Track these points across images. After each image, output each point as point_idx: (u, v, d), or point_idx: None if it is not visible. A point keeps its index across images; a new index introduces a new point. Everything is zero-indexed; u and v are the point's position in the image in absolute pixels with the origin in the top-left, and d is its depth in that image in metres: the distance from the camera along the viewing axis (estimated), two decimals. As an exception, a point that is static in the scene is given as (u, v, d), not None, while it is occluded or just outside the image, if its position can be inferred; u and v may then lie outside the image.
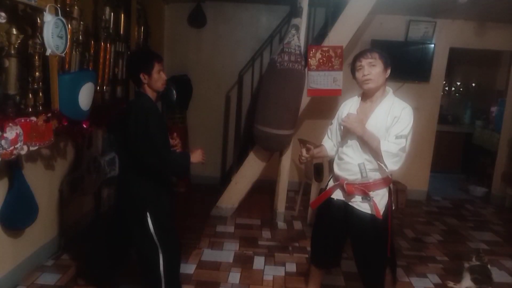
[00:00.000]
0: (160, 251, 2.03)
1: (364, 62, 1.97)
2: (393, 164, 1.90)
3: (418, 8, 4.13)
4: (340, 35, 3.53)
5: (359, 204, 2.02)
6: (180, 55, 4.70)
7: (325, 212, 2.16)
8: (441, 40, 4.55)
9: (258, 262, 2.95)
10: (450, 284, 2.75)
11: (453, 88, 6.60)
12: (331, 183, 2.19)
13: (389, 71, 2.04)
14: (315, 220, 2.35)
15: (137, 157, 1.95)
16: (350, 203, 2.05)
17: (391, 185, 2.10)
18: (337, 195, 2.10)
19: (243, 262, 2.93)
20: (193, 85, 4.70)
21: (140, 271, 2.13)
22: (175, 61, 4.69)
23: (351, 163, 2.01)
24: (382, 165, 1.91)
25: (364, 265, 2.14)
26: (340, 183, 2.06)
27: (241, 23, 4.66)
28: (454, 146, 6.18)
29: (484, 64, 6.13)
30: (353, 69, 2.03)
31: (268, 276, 2.74)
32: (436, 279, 2.85)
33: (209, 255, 3.02)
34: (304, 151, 2.11)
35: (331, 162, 2.27)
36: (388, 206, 2.04)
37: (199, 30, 4.64)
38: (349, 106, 2.12)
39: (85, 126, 2.64)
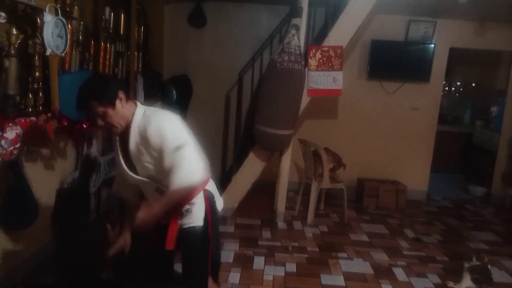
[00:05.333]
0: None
1: (89, 114, 1.63)
2: (194, 179, 1.68)
3: (418, 8, 4.13)
4: (340, 35, 3.53)
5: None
6: (180, 55, 4.70)
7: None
8: (441, 40, 4.55)
9: (258, 262, 2.95)
10: (450, 284, 2.75)
11: (453, 88, 6.59)
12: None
13: (123, 102, 1.69)
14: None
15: None
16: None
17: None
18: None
19: (243, 262, 2.93)
20: (193, 85, 4.70)
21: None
22: (175, 61, 4.69)
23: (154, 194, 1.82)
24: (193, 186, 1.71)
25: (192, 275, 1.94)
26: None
27: (241, 23, 4.66)
28: (454, 146, 6.17)
29: (484, 64, 6.13)
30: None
31: (268, 276, 2.74)
32: (436, 279, 2.85)
33: (209, 255, 3.02)
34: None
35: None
36: (208, 212, 1.88)
37: (199, 30, 4.64)
38: (114, 138, 1.81)
39: (85, 126, 2.64)
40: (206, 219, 1.85)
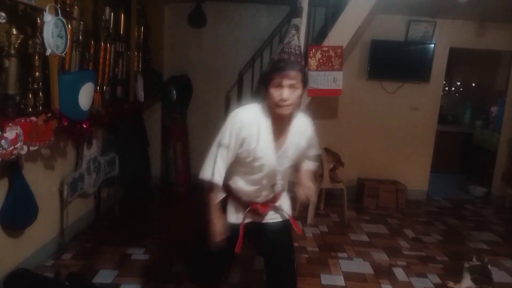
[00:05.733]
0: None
1: (286, 82, 1.63)
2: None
3: (418, 8, 4.12)
4: (340, 35, 3.53)
5: (272, 217, 1.93)
6: (180, 55, 4.70)
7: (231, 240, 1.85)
8: (441, 40, 4.55)
9: (259, 262, 2.95)
10: (450, 284, 2.75)
11: (453, 88, 6.60)
12: (233, 215, 1.90)
13: (304, 92, 1.83)
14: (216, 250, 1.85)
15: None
16: (262, 221, 1.92)
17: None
18: (246, 219, 1.89)
19: (243, 262, 2.93)
20: (193, 85, 4.69)
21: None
22: (175, 61, 4.69)
23: (264, 188, 1.85)
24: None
25: (282, 272, 1.94)
26: (252, 208, 1.87)
27: (241, 23, 4.66)
28: (454, 146, 6.18)
29: (484, 64, 6.13)
30: (267, 81, 1.70)
31: (268, 276, 2.74)
32: (436, 279, 2.85)
33: (209, 255, 3.02)
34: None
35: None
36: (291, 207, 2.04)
37: (199, 30, 4.64)
38: (256, 128, 1.73)
39: (85, 126, 2.64)
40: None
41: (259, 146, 1.73)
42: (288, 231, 1.96)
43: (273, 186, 1.86)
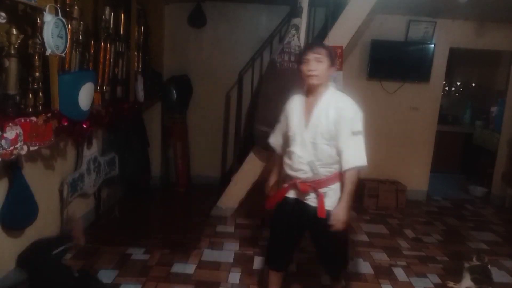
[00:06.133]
0: None
1: (311, 56, 1.95)
2: (364, 162, 1.99)
3: (418, 8, 4.12)
4: (340, 35, 3.53)
5: (313, 200, 2.04)
6: (180, 55, 4.70)
7: (281, 212, 2.15)
8: (441, 40, 4.55)
9: (258, 262, 2.95)
10: (450, 284, 2.75)
11: (453, 88, 6.60)
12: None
13: (334, 70, 2.05)
14: (272, 222, 2.27)
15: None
16: (304, 201, 2.06)
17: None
18: (290, 193, 2.12)
19: (243, 262, 2.93)
20: (193, 85, 4.69)
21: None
22: (175, 61, 4.69)
23: (301, 162, 2.01)
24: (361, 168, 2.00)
25: (328, 257, 2.20)
26: (293, 183, 2.06)
27: (241, 23, 4.66)
28: (454, 146, 6.17)
29: (484, 64, 6.13)
30: (300, 60, 2.04)
31: (268, 276, 2.74)
32: (436, 279, 2.85)
33: (209, 255, 3.02)
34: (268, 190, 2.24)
35: None
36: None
37: (199, 30, 4.64)
38: (295, 103, 2.13)
39: (85, 126, 2.63)
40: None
41: (291, 116, 2.09)
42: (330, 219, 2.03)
43: (311, 165, 1.98)
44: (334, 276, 2.33)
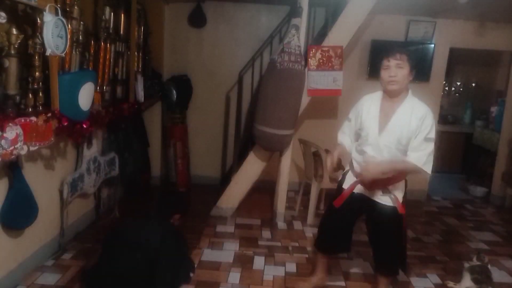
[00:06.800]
0: None
1: (392, 62, 2.00)
2: (428, 168, 2.04)
3: (418, 8, 4.12)
4: (340, 35, 3.53)
5: (379, 197, 2.14)
6: (180, 55, 4.70)
7: (344, 205, 2.26)
8: (441, 40, 4.54)
9: (258, 262, 2.95)
10: (450, 284, 2.75)
11: (453, 88, 6.59)
12: (349, 179, 2.29)
13: (413, 74, 2.08)
14: (327, 208, 2.43)
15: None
16: (371, 197, 2.17)
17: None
18: (356, 189, 2.23)
19: (243, 262, 2.93)
20: (193, 85, 4.69)
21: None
22: (175, 61, 4.69)
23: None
24: (422, 173, 2.06)
25: (384, 253, 2.29)
26: (361, 179, 2.16)
27: (241, 23, 4.66)
28: (454, 146, 6.17)
29: (484, 64, 6.13)
30: (380, 67, 2.09)
31: (268, 276, 2.74)
32: (436, 279, 2.85)
33: (209, 255, 3.02)
34: (330, 161, 2.24)
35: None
36: (404, 198, 2.19)
37: (199, 30, 4.64)
38: (369, 104, 2.17)
39: (85, 126, 2.64)
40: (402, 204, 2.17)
41: (365, 116, 2.14)
42: (395, 218, 2.14)
43: None
44: (384, 273, 2.38)
